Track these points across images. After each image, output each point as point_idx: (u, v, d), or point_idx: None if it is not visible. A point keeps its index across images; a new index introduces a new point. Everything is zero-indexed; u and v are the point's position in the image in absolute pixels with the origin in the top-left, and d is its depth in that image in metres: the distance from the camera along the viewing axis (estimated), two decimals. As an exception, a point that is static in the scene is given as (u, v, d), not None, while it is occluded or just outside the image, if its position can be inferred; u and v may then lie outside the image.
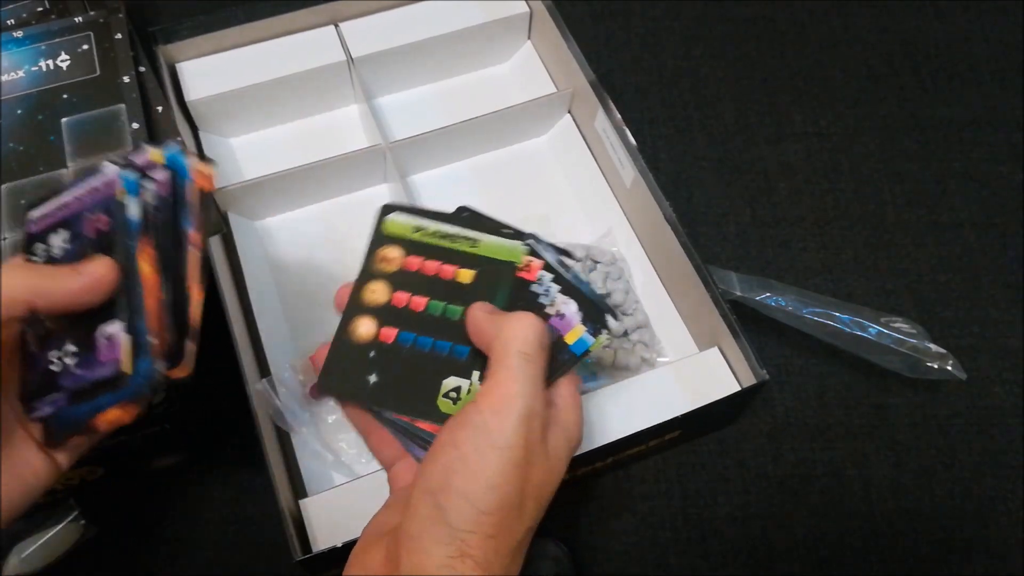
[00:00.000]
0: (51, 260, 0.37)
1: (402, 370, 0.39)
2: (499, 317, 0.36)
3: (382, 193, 0.66)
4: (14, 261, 0.36)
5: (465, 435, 0.33)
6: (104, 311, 0.35)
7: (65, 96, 0.57)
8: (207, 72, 0.65)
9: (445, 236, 0.41)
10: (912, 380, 0.58)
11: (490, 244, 0.41)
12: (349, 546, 0.45)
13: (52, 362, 0.36)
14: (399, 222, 0.42)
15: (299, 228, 0.64)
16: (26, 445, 0.36)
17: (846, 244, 0.67)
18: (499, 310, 0.38)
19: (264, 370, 0.55)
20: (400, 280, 0.40)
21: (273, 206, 0.64)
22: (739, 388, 0.53)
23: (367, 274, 0.41)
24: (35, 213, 0.39)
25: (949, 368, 0.56)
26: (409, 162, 0.65)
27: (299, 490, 0.53)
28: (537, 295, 0.40)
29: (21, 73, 0.57)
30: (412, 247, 0.41)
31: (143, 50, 0.61)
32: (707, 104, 0.73)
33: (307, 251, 0.63)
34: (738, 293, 0.59)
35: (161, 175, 0.37)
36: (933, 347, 0.57)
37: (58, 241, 0.38)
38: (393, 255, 0.41)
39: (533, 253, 0.40)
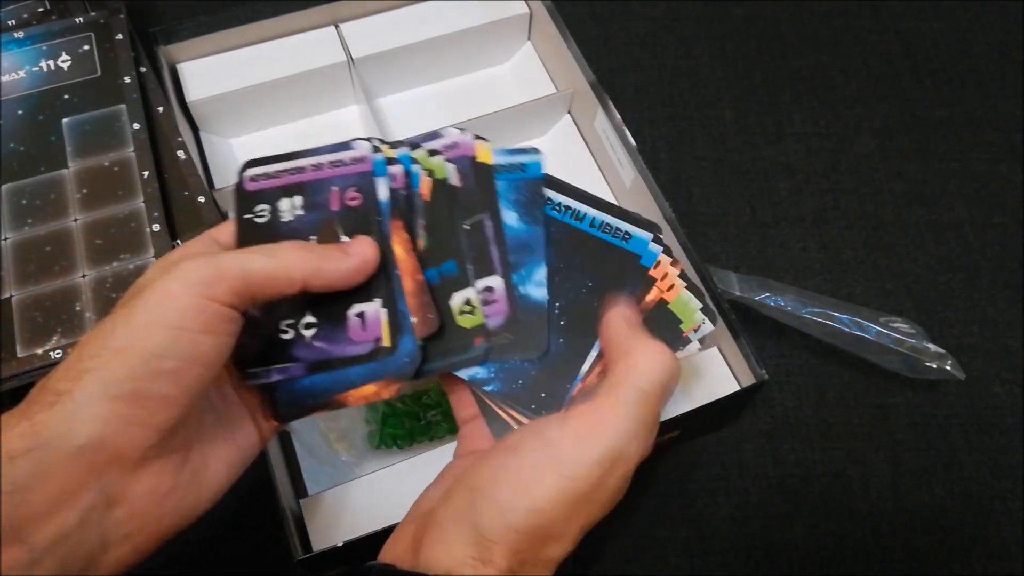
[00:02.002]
0: (276, 223, 0.37)
1: None
2: (636, 338, 0.33)
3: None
4: (291, 243, 0.34)
5: (531, 445, 0.31)
6: (355, 291, 0.35)
7: (66, 96, 0.57)
8: (208, 73, 0.65)
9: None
10: (912, 380, 0.58)
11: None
12: (349, 546, 0.45)
13: (284, 331, 0.35)
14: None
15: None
16: (242, 412, 0.35)
17: (846, 244, 0.67)
18: (641, 324, 0.35)
19: (264, 370, 0.56)
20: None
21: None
22: (739, 388, 0.53)
23: None
24: (252, 171, 0.38)
25: (948, 368, 0.56)
26: (409, 162, 0.65)
27: (299, 490, 0.53)
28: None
29: (22, 73, 0.57)
30: None
31: (144, 51, 0.61)
32: (707, 104, 0.73)
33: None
34: (737, 293, 0.59)
35: (396, 168, 0.37)
36: (932, 347, 0.57)
37: (288, 206, 0.37)
38: None
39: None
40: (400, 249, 0.36)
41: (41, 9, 0.62)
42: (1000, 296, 0.64)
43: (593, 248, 0.39)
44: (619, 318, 0.34)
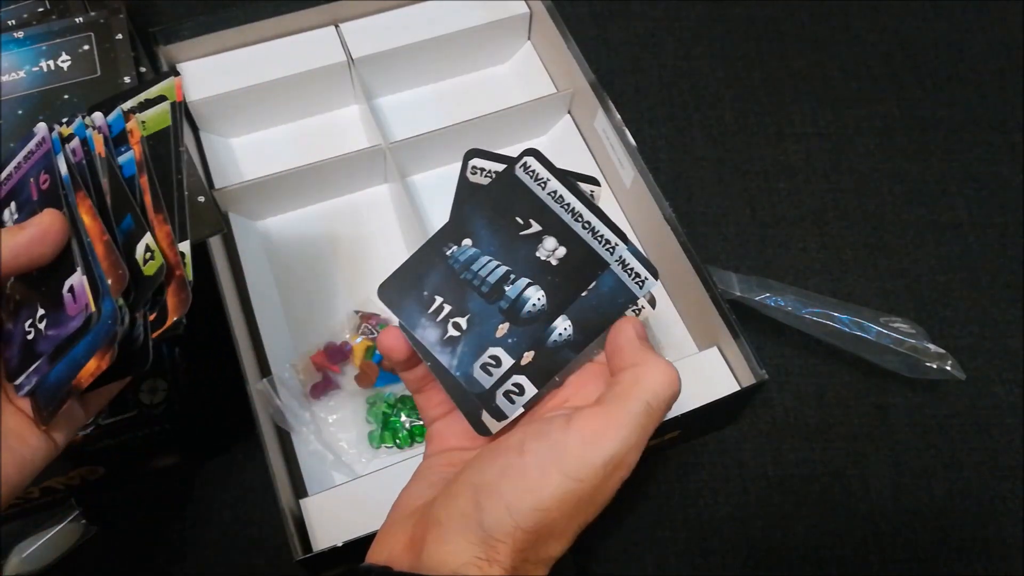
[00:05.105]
0: None
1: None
2: (645, 351, 0.33)
3: (382, 193, 0.66)
4: None
5: (536, 446, 0.31)
6: (63, 269, 0.35)
7: (66, 96, 0.57)
8: (208, 72, 0.65)
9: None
10: (912, 380, 0.58)
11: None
12: (349, 546, 0.45)
13: (27, 332, 0.36)
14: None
15: (299, 228, 0.65)
16: (19, 422, 0.35)
17: (846, 244, 0.67)
18: (647, 341, 0.35)
19: (264, 370, 0.56)
20: None
21: (273, 206, 0.64)
22: (738, 388, 0.53)
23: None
24: None
25: (948, 368, 0.56)
26: (409, 162, 0.65)
27: (299, 490, 0.53)
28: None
29: (22, 73, 0.57)
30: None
31: (144, 50, 0.61)
32: (707, 104, 0.73)
33: (308, 251, 0.63)
34: (737, 293, 0.59)
35: (74, 143, 0.38)
36: (932, 347, 0.57)
37: (7, 216, 0.38)
38: None
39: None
40: (87, 217, 0.36)
41: (41, 9, 0.61)
42: (1000, 296, 0.64)
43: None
44: (630, 328, 0.34)
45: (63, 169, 0.37)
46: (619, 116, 0.60)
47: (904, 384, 0.60)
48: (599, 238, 0.36)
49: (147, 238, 0.36)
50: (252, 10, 0.65)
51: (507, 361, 0.35)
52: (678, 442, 0.57)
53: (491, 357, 0.36)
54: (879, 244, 0.67)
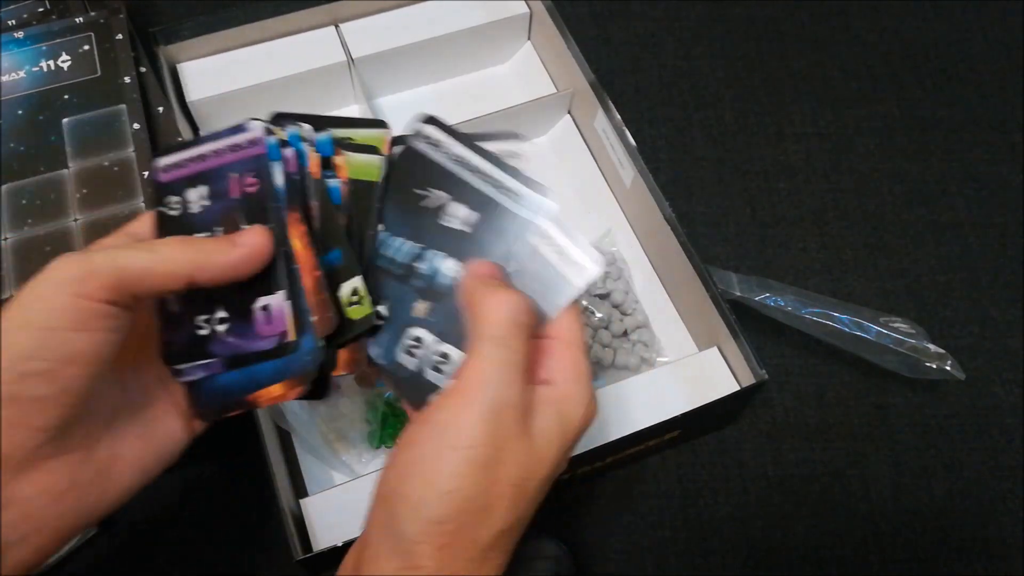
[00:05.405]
0: (187, 216, 0.35)
1: None
2: (479, 291, 0.32)
3: (382, 193, 0.66)
4: (174, 238, 0.33)
5: (426, 434, 0.30)
6: (259, 284, 0.34)
7: (66, 96, 0.57)
8: (208, 72, 0.65)
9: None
10: (912, 380, 0.58)
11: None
12: (349, 545, 0.45)
13: (200, 326, 0.35)
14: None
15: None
16: (166, 409, 0.35)
17: (846, 244, 0.67)
18: (500, 276, 0.33)
19: (264, 370, 0.56)
20: None
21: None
22: (738, 388, 0.53)
23: None
24: (164, 161, 0.36)
25: (948, 368, 0.56)
26: (409, 162, 0.65)
27: (299, 490, 0.53)
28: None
29: (22, 73, 0.57)
30: None
31: (144, 51, 0.61)
32: (707, 104, 0.73)
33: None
34: (737, 293, 0.59)
35: (288, 151, 0.35)
36: (932, 347, 0.57)
37: (196, 197, 0.35)
38: None
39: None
40: (298, 243, 0.34)
41: (41, 9, 0.62)
42: (1000, 296, 0.64)
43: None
44: (470, 279, 0.33)
45: (279, 180, 0.34)
46: (619, 116, 0.60)
47: (904, 384, 0.60)
48: (512, 196, 0.35)
49: (357, 281, 0.34)
50: (252, 10, 0.65)
51: (429, 339, 0.34)
52: (678, 442, 0.57)
53: (413, 339, 0.35)
54: (879, 244, 0.67)
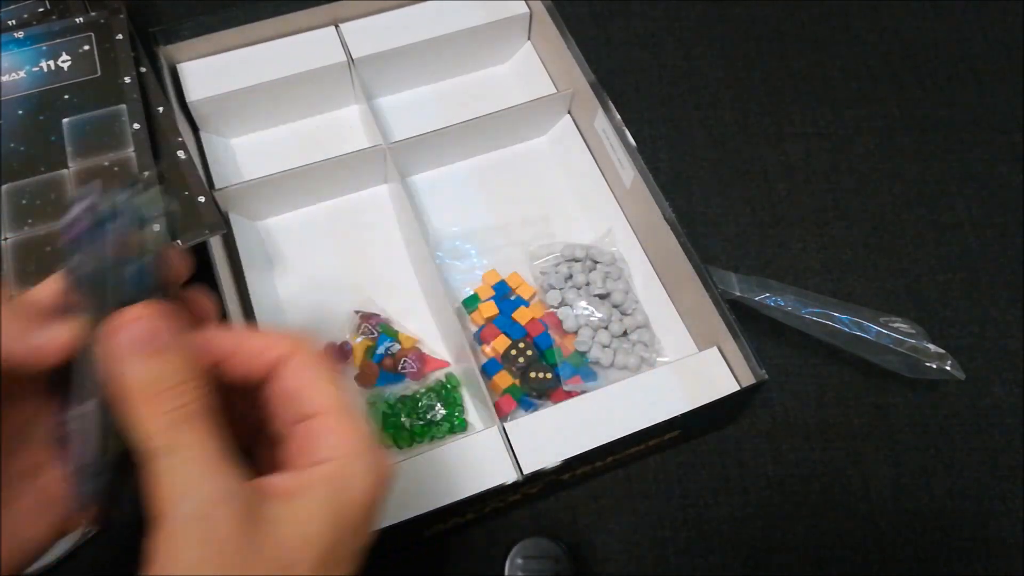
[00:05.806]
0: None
1: None
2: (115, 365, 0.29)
3: (382, 193, 0.66)
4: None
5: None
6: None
7: (66, 96, 0.57)
8: (208, 73, 0.65)
9: None
10: (912, 380, 0.58)
11: None
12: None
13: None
14: None
15: (299, 228, 0.65)
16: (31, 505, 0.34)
17: (846, 244, 0.67)
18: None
19: (264, 370, 0.56)
20: None
21: (273, 206, 0.64)
22: (738, 388, 0.53)
23: None
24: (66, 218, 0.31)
25: (948, 368, 0.56)
26: (409, 162, 0.65)
27: (299, 490, 0.53)
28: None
29: (22, 73, 0.57)
30: None
31: (144, 51, 0.61)
32: (707, 104, 0.73)
33: (308, 251, 0.63)
34: (737, 293, 0.59)
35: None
36: (932, 347, 0.57)
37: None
38: None
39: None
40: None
41: (41, 9, 0.62)
42: (1000, 296, 0.64)
43: None
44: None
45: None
46: (619, 116, 0.60)
47: (904, 384, 0.60)
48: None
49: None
50: (252, 10, 0.65)
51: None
52: (678, 442, 0.57)
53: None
54: (879, 244, 0.67)
